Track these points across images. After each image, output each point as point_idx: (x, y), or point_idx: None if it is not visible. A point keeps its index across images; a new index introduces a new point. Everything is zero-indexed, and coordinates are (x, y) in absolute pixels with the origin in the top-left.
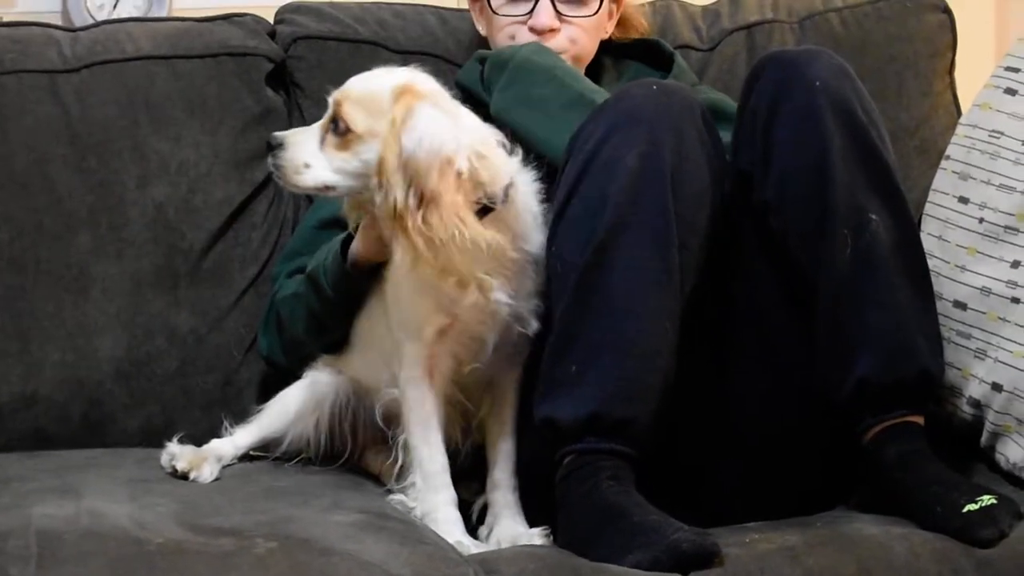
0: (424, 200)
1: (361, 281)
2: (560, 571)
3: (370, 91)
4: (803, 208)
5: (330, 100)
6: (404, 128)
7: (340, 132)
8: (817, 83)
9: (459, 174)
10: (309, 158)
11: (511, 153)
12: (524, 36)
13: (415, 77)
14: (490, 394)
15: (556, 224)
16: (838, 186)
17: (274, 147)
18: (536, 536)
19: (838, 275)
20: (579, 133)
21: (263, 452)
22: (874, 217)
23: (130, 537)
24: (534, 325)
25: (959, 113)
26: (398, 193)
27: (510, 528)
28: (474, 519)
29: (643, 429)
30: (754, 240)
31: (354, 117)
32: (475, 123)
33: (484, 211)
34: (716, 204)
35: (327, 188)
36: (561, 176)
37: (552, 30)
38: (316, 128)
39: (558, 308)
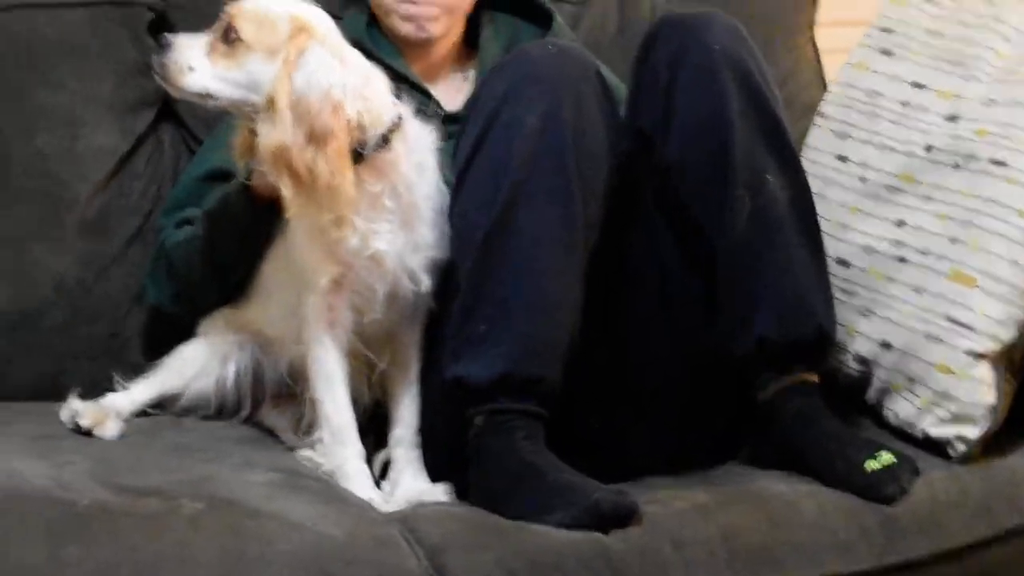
0: (311, 139)
1: (262, 217)
2: (483, 531)
3: (266, 10)
4: (703, 169)
5: (223, 13)
6: (296, 67)
7: (229, 41)
8: (716, 47)
9: (348, 120)
10: (194, 62)
11: (398, 99)
12: None
13: (310, 12)
14: (392, 350)
15: (459, 184)
16: (737, 148)
17: (163, 46)
18: (440, 493)
19: (737, 236)
20: (479, 94)
21: (159, 409)
22: (771, 178)
23: (55, 498)
24: (425, 281)
25: (820, 68)
26: (287, 129)
27: (413, 484)
28: (376, 474)
29: (552, 387)
30: (654, 199)
31: (245, 29)
32: (363, 65)
33: (356, 157)
34: (613, 163)
35: (208, 96)
36: (461, 136)
37: None
38: (205, 36)
39: (463, 268)
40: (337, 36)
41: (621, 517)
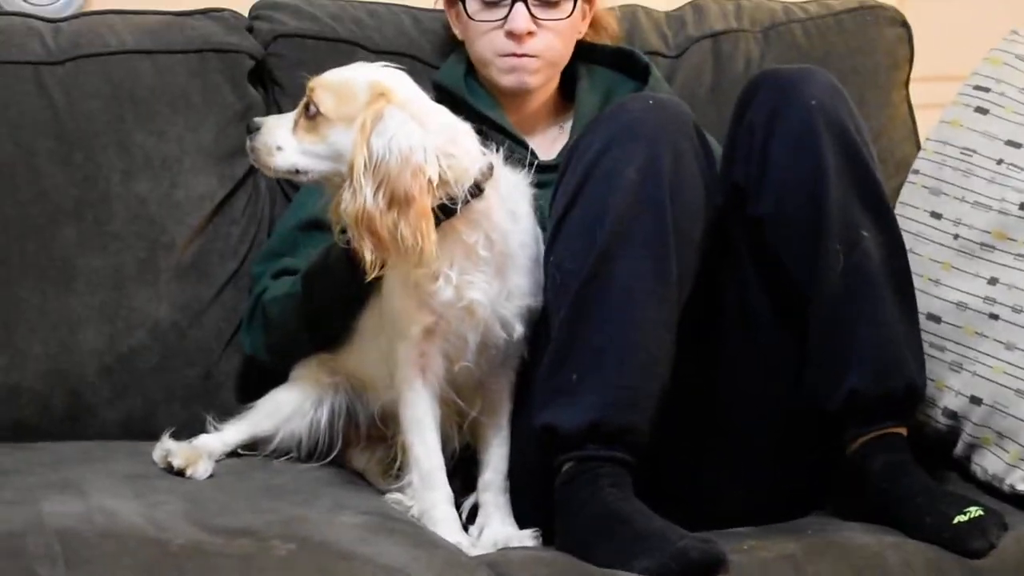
0: (392, 203)
1: (360, 277)
2: None
3: (343, 79)
4: (798, 224)
5: (306, 87)
6: (374, 131)
7: (311, 116)
8: (813, 102)
9: (429, 181)
10: (281, 141)
11: (488, 149)
12: (501, 41)
13: (390, 76)
14: (483, 396)
15: (555, 234)
16: (832, 203)
17: (252, 131)
18: (527, 538)
19: (830, 290)
20: (577, 145)
21: (248, 450)
22: (865, 234)
23: (149, 538)
24: (518, 329)
25: (915, 125)
26: (367, 194)
27: (501, 529)
28: (464, 518)
29: (641, 436)
30: (747, 251)
31: (325, 101)
32: (446, 121)
33: (446, 210)
34: (710, 216)
35: (297, 171)
36: (559, 186)
37: (529, 33)
38: (291, 114)
39: (557, 317)
40: (418, 96)
41: (709, 566)
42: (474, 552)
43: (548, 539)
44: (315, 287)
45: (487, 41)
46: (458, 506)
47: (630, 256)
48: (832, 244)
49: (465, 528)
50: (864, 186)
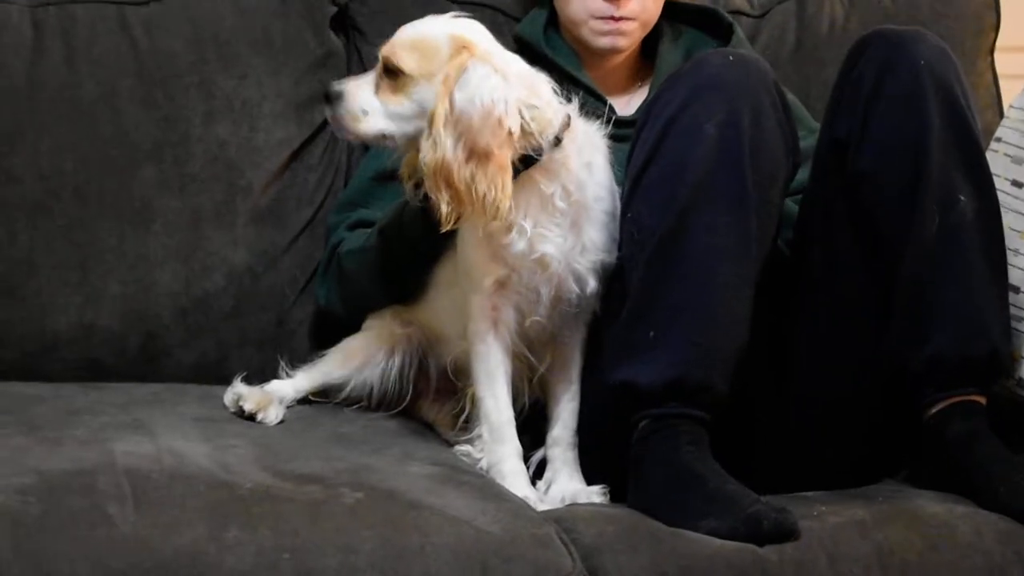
0: (471, 156)
1: (435, 234)
2: (637, 534)
3: (423, 36)
4: (896, 182)
5: (382, 47)
6: (457, 85)
7: (393, 76)
8: (922, 62)
9: (509, 133)
10: (366, 104)
11: (566, 100)
12: (597, 3)
13: (468, 28)
14: (553, 351)
15: (633, 189)
16: (933, 164)
17: (333, 99)
18: (595, 494)
19: (922, 250)
20: (656, 99)
21: (320, 397)
22: (963, 198)
23: (218, 481)
24: (591, 283)
25: (999, 93)
26: (447, 145)
27: (569, 484)
28: (530, 473)
29: (720, 395)
30: (842, 206)
31: (407, 60)
32: (527, 74)
33: (528, 161)
34: (788, 174)
35: (384, 137)
36: (637, 141)
37: None
38: (371, 76)
39: (635, 273)
40: (498, 48)
41: (781, 535)
42: (541, 507)
43: (616, 497)
44: (390, 242)
45: (582, 1)
46: (526, 460)
47: (709, 213)
48: (929, 204)
49: (533, 483)
50: (966, 151)
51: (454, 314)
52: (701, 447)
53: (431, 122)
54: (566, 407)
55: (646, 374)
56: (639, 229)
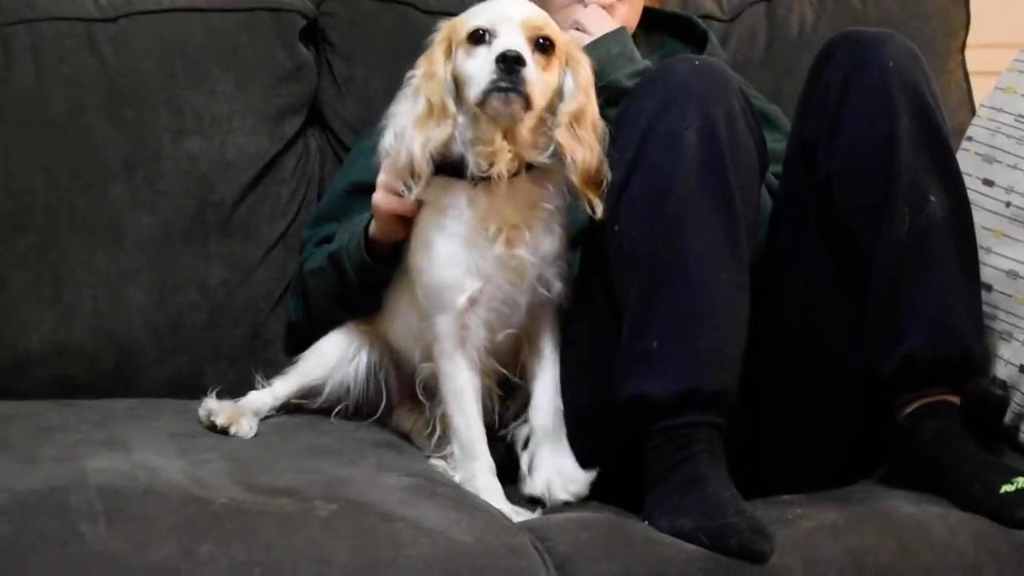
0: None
1: (381, 269)
2: (611, 541)
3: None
4: (866, 183)
5: (518, 19)
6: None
7: (545, 51)
8: (891, 63)
9: None
10: (536, 79)
11: None
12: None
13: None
14: (527, 338)
15: (618, 201)
16: (902, 165)
17: (511, 58)
18: (583, 482)
19: (893, 251)
20: (627, 108)
21: (301, 400)
22: (933, 198)
23: (191, 496)
24: (557, 286)
25: (970, 91)
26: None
27: (555, 461)
28: (519, 447)
29: (733, 399)
30: (812, 208)
31: (556, 36)
32: None
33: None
34: (762, 176)
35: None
36: (611, 147)
37: (611, 6)
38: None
39: (629, 286)
40: None
41: (745, 555)
42: (516, 519)
43: (607, 485)
44: (338, 267)
45: (565, 16)
46: (511, 437)
47: (699, 219)
48: (899, 205)
49: (515, 477)
50: (935, 151)
51: (412, 341)
52: (716, 454)
53: (576, 119)
54: (544, 379)
55: (658, 386)
56: (630, 242)
